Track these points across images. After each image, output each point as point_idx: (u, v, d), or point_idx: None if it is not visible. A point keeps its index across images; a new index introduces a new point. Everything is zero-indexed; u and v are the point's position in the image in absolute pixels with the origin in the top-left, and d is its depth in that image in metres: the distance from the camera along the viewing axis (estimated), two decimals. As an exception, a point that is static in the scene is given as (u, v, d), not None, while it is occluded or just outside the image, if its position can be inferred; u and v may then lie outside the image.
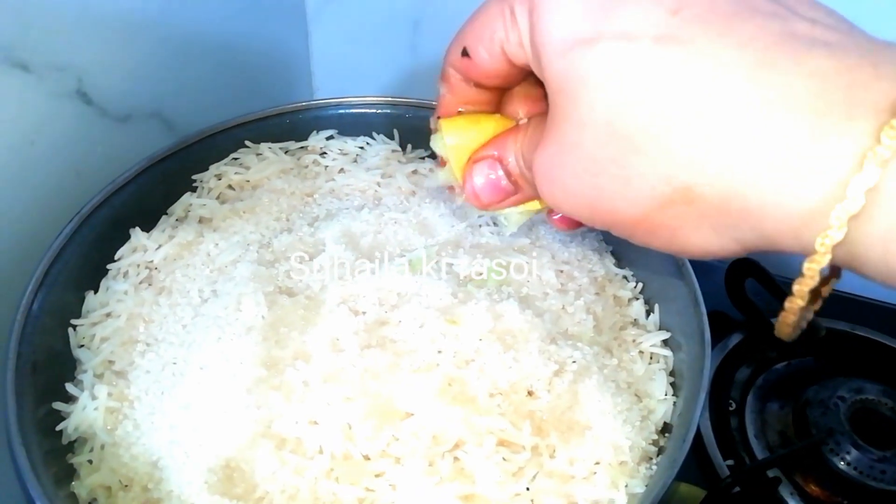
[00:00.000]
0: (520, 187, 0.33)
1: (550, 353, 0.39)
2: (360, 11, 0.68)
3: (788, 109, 0.21)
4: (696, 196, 0.23)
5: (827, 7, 0.24)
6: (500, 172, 0.33)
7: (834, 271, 0.25)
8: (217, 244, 0.45)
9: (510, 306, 0.41)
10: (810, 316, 0.26)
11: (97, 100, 0.47)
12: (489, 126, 0.34)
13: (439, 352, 0.39)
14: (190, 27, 0.54)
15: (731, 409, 0.54)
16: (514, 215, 0.37)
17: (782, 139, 0.21)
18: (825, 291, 0.25)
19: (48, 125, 0.44)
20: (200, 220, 0.47)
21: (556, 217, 0.36)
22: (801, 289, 0.23)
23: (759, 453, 0.51)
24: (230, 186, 0.50)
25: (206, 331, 0.40)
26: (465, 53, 0.31)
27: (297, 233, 0.46)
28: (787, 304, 0.25)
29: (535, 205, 0.35)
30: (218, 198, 0.49)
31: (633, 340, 0.42)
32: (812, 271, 0.22)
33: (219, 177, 0.50)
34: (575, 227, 0.37)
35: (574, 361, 0.39)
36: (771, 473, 0.48)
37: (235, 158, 0.51)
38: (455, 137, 0.35)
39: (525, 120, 0.34)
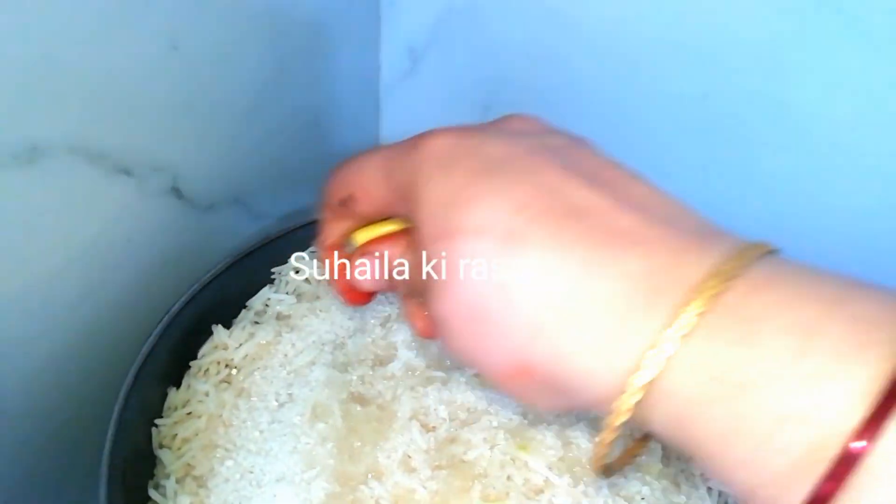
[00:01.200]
0: (399, 288, 0.37)
1: (619, 486, 0.39)
2: (433, 94, 0.70)
3: (602, 306, 0.25)
4: (535, 370, 0.27)
5: (661, 193, 0.29)
6: (384, 270, 0.37)
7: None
8: (294, 344, 0.46)
9: (580, 432, 0.41)
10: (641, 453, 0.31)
11: (187, 194, 0.50)
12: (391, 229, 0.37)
13: (509, 479, 0.39)
14: (273, 117, 0.56)
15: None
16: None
17: (596, 329, 0.26)
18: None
19: (144, 222, 0.46)
20: (278, 317, 0.49)
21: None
22: (615, 420, 0.26)
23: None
24: (307, 280, 0.51)
25: (282, 439, 0.41)
26: (346, 202, 0.37)
27: (370, 334, 0.47)
28: (597, 439, 0.28)
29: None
30: (294, 291, 0.51)
31: (700, 475, 0.42)
32: (610, 424, 0.26)
33: (297, 270, 0.51)
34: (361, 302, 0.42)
35: (643, 498, 0.39)
36: None
37: (314, 251, 0.52)
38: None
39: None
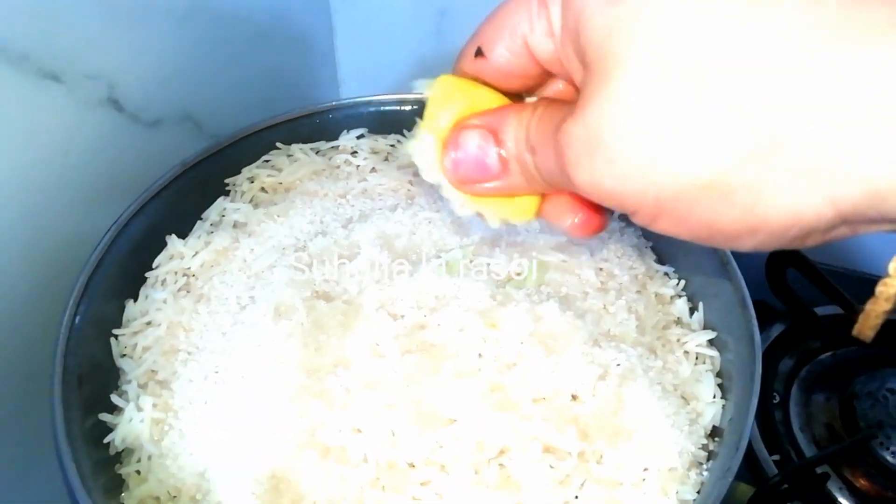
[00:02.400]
0: (507, 173, 0.29)
1: (594, 356, 0.38)
2: (385, 1, 0.68)
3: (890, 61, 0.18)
4: (786, 141, 0.20)
5: None
6: (491, 149, 0.28)
7: None
8: (253, 249, 0.45)
9: (550, 308, 0.40)
10: (891, 312, 0.23)
11: (128, 106, 0.47)
12: (483, 97, 0.30)
13: (480, 356, 0.38)
14: (214, 26, 0.54)
15: (774, 401, 0.53)
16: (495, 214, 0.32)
17: (879, 91, 0.18)
18: None
19: (81, 135, 0.44)
20: (235, 225, 0.47)
21: (573, 222, 0.31)
22: (888, 290, 0.21)
23: (805, 447, 0.50)
24: (263, 189, 0.50)
25: (245, 338, 0.40)
26: (479, 53, 0.29)
27: (332, 236, 0.46)
28: (868, 307, 0.23)
29: (529, 205, 0.31)
30: (251, 201, 0.49)
31: (678, 340, 0.41)
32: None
33: (251, 180, 0.50)
34: (592, 232, 0.31)
35: (618, 364, 0.38)
36: (819, 469, 0.47)
37: (267, 161, 0.50)
38: (441, 102, 0.30)
39: (533, 99, 0.30)
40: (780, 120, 0.20)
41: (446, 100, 0.30)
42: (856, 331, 0.25)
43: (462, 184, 0.30)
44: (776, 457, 0.49)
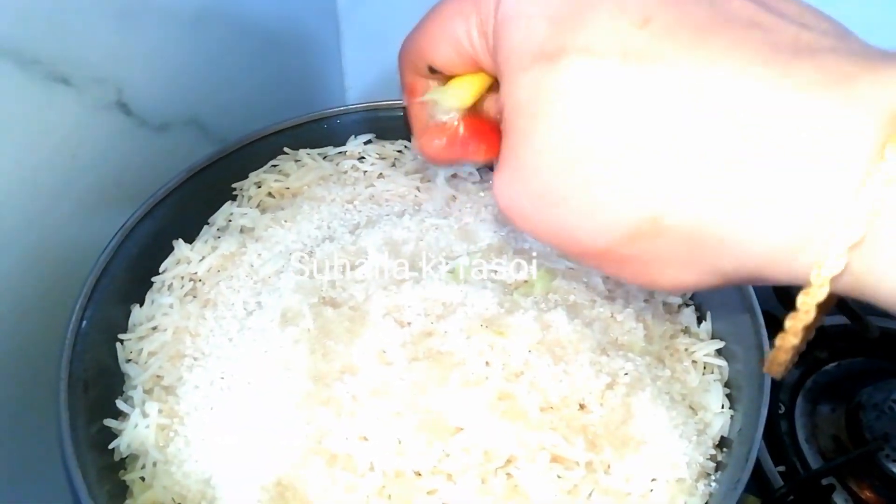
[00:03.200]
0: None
1: (601, 364, 0.38)
2: (391, 6, 0.68)
3: (778, 126, 0.19)
4: (665, 228, 0.21)
5: (816, 11, 0.22)
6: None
7: (829, 301, 0.21)
8: (260, 255, 0.45)
9: (558, 316, 0.40)
10: (802, 348, 0.23)
11: (136, 110, 0.47)
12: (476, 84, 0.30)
13: (487, 364, 0.38)
14: (222, 32, 0.54)
15: (780, 412, 0.53)
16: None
17: (762, 165, 0.19)
18: (818, 322, 0.22)
19: (88, 138, 0.44)
20: (242, 230, 0.47)
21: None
22: (796, 325, 0.21)
23: (811, 458, 0.50)
24: (270, 194, 0.50)
25: (252, 344, 0.40)
26: (432, 70, 0.30)
27: (339, 241, 0.45)
28: (778, 342, 0.23)
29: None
30: (258, 206, 0.49)
31: (686, 350, 0.41)
32: (808, 305, 0.20)
33: (258, 185, 0.49)
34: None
35: (626, 373, 0.38)
36: (824, 481, 0.47)
37: (274, 165, 0.50)
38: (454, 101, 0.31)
39: None
40: (660, 212, 0.21)
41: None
42: (765, 367, 0.25)
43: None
44: (781, 468, 0.49)
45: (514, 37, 0.24)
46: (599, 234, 0.23)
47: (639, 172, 0.21)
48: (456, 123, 0.31)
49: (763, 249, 0.20)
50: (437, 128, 0.31)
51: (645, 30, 0.21)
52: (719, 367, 0.40)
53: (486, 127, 0.32)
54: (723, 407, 0.37)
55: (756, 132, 0.19)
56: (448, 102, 0.31)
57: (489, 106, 0.32)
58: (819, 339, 0.54)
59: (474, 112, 0.32)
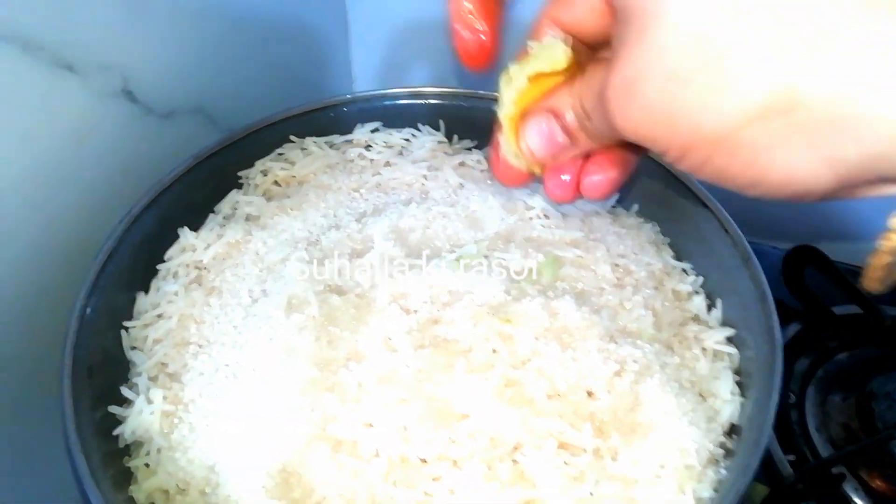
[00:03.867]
0: (576, 141, 0.33)
1: (609, 351, 0.38)
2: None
3: None
4: (799, 102, 0.21)
5: None
6: (556, 127, 0.33)
7: None
8: (265, 242, 0.44)
9: (566, 303, 0.39)
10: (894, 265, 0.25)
11: (142, 98, 0.47)
12: (544, 79, 0.33)
13: (494, 351, 0.38)
14: (229, 20, 0.53)
15: (790, 401, 0.52)
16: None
17: None
18: None
19: (95, 125, 0.44)
20: (248, 218, 0.47)
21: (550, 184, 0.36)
22: (889, 244, 0.22)
23: (821, 447, 0.49)
24: (276, 182, 0.49)
25: (257, 331, 0.39)
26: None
27: (345, 230, 0.45)
28: (871, 260, 0.24)
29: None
30: (264, 194, 0.49)
31: (695, 337, 0.40)
32: None
33: (264, 173, 0.49)
34: (570, 198, 0.37)
35: (635, 360, 0.37)
36: (835, 470, 0.46)
37: (280, 153, 0.50)
38: (505, 90, 0.34)
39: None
40: (795, 84, 0.21)
41: (507, 87, 0.34)
42: (863, 284, 0.26)
43: (538, 161, 0.35)
44: (791, 457, 0.48)
45: None
46: (727, 111, 0.23)
47: (776, 45, 0.21)
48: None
49: (892, 129, 0.20)
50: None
51: None
52: (729, 354, 0.39)
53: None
54: (732, 394, 0.37)
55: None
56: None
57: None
58: (830, 327, 0.54)
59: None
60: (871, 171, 0.21)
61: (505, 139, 0.36)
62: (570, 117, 0.32)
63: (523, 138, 0.34)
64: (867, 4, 0.20)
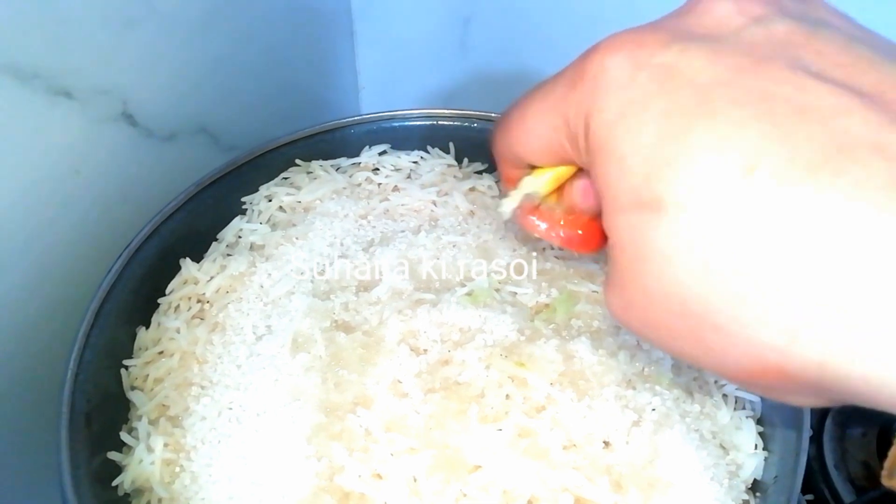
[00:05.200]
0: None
1: (627, 399, 0.36)
2: (407, 9, 0.65)
3: None
4: (789, 374, 0.20)
5: None
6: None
7: None
8: (270, 275, 0.43)
9: (582, 345, 0.38)
10: None
11: (142, 120, 0.46)
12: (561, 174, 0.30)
13: (507, 397, 0.36)
14: (230, 36, 0.52)
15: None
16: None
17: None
18: None
19: (94, 151, 0.43)
20: (252, 248, 0.45)
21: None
22: None
23: (840, 486, 0.48)
24: (281, 208, 0.48)
25: (262, 372, 0.38)
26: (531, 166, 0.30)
27: (353, 260, 0.44)
28: (893, 453, 0.23)
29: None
30: (269, 221, 0.47)
31: (716, 382, 0.39)
32: None
33: (269, 198, 0.48)
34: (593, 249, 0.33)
35: (653, 409, 0.36)
36: (857, 512, 0.45)
37: (286, 178, 0.48)
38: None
39: None
40: (784, 357, 0.20)
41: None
42: (884, 480, 0.25)
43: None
44: (810, 496, 0.47)
45: (608, 172, 0.22)
46: (721, 368, 0.22)
47: (755, 323, 0.20)
48: (556, 213, 0.32)
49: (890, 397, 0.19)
50: (536, 210, 0.32)
51: (750, 178, 0.19)
52: (751, 402, 0.38)
53: (584, 219, 0.31)
54: (756, 447, 0.36)
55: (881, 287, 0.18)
56: (534, 192, 0.31)
57: (576, 193, 0.31)
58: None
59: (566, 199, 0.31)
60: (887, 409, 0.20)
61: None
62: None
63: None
64: (851, 271, 0.18)
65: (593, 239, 0.31)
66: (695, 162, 0.20)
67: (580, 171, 0.29)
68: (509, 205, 0.32)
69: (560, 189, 0.31)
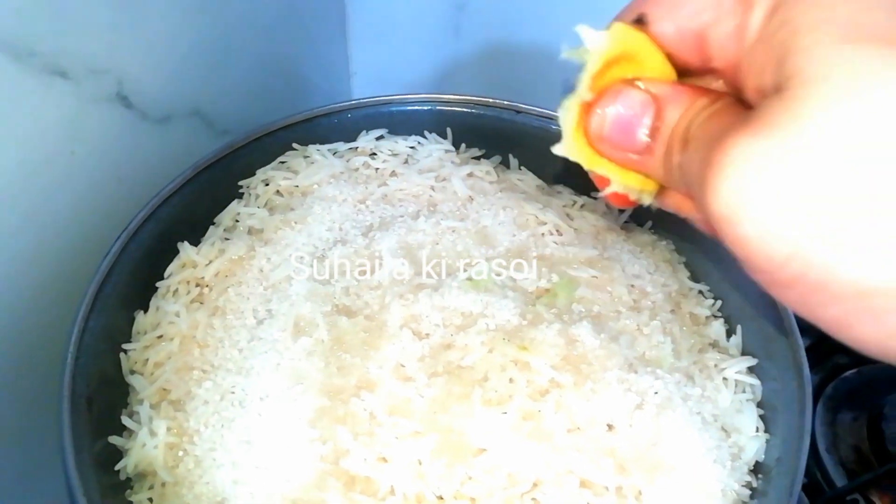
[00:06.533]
0: (650, 153, 0.25)
1: (630, 382, 0.36)
2: (402, -5, 0.65)
3: None
4: None
5: None
6: (647, 119, 0.25)
7: None
8: (269, 259, 0.42)
9: (583, 329, 0.38)
10: None
11: (137, 102, 0.45)
12: (657, 64, 0.25)
13: (511, 381, 0.36)
14: (224, 18, 0.51)
15: (799, 420, 0.52)
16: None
17: None
18: None
19: (88, 132, 0.42)
20: (250, 232, 0.45)
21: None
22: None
23: (832, 469, 0.49)
24: (278, 192, 0.47)
25: (264, 356, 0.38)
26: (640, 20, 0.25)
27: (352, 245, 0.43)
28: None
29: (651, 186, 0.27)
30: (266, 205, 0.47)
31: (716, 366, 0.39)
32: None
33: (266, 182, 0.47)
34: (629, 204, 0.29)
35: (656, 392, 0.36)
36: (849, 497, 0.46)
37: (283, 162, 0.48)
38: (608, 55, 0.25)
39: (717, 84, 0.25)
40: None
41: (614, 53, 0.25)
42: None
43: (599, 141, 0.26)
44: (803, 480, 0.48)
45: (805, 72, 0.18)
46: (875, 269, 0.18)
47: None
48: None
49: None
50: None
51: None
52: (752, 385, 0.38)
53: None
54: (757, 430, 0.36)
55: None
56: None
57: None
58: (838, 343, 0.53)
59: None
60: None
61: (569, 112, 0.26)
62: (668, 124, 0.24)
63: (603, 103, 0.25)
64: None
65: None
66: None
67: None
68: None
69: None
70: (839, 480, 0.48)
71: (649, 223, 0.47)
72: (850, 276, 0.18)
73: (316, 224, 0.45)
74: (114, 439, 0.35)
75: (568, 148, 0.27)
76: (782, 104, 0.18)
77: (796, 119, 0.18)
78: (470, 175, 0.49)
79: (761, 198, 0.19)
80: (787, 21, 0.20)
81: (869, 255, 0.18)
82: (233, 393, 0.37)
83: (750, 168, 0.19)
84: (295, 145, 0.48)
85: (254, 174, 0.47)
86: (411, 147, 0.50)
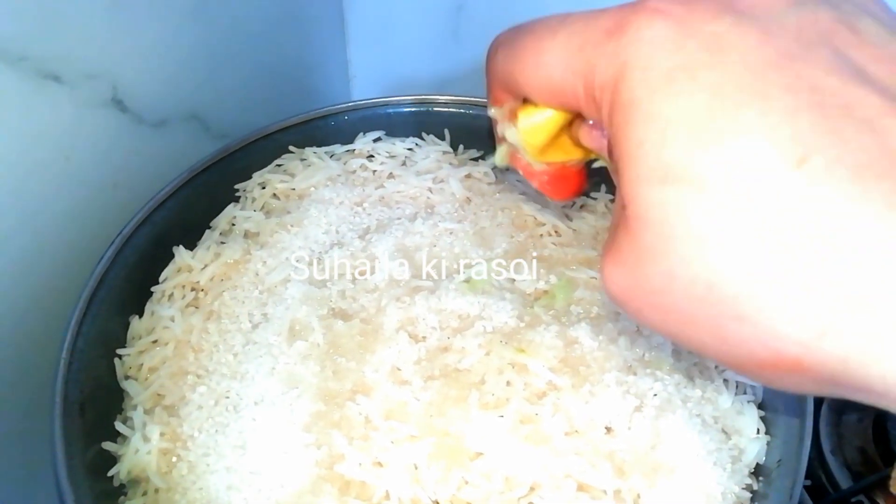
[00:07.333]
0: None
1: (629, 384, 0.36)
2: (399, -4, 0.65)
3: None
4: (805, 368, 0.19)
5: None
6: None
7: None
8: (265, 262, 0.42)
9: (582, 331, 0.38)
10: None
11: (132, 106, 0.45)
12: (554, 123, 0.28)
13: (508, 384, 0.36)
14: (221, 21, 0.51)
15: (804, 422, 0.51)
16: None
17: None
18: None
19: (83, 137, 0.42)
20: (246, 235, 0.44)
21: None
22: None
23: (837, 471, 0.48)
24: (275, 195, 0.47)
25: (258, 360, 0.37)
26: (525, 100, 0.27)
27: (349, 247, 0.43)
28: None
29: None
30: (262, 208, 0.46)
31: (716, 367, 0.39)
32: None
33: (263, 185, 0.47)
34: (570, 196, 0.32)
35: (655, 394, 0.36)
36: (854, 499, 0.45)
37: (279, 165, 0.48)
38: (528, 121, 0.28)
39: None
40: (805, 351, 0.19)
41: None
42: (892, 488, 0.23)
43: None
44: (807, 482, 0.47)
45: (643, 136, 0.21)
46: (732, 358, 0.21)
47: (782, 316, 0.19)
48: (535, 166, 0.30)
49: None
50: (514, 158, 0.31)
51: (801, 171, 0.18)
52: (752, 387, 0.38)
53: (567, 172, 0.30)
54: (758, 432, 0.35)
55: None
56: (521, 144, 0.29)
57: (584, 137, 0.28)
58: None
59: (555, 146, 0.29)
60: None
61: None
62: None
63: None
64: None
65: (569, 187, 0.31)
66: (745, 144, 0.19)
67: (575, 121, 0.28)
68: (501, 157, 0.31)
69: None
70: (844, 482, 0.47)
71: (649, 223, 0.47)
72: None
73: (312, 227, 0.44)
74: (107, 445, 0.35)
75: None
76: (628, 237, 0.22)
77: (633, 259, 0.22)
78: (468, 176, 0.49)
79: (636, 313, 0.23)
80: (615, 140, 0.22)
81: (704, 345, 0.22)
82: (227, 398, 0.36)
83: (623, 294, 0.23)
84: (291, 148, 0.48)
85: (250, 177, 0.47)
86: (409, 149, 0.50)
